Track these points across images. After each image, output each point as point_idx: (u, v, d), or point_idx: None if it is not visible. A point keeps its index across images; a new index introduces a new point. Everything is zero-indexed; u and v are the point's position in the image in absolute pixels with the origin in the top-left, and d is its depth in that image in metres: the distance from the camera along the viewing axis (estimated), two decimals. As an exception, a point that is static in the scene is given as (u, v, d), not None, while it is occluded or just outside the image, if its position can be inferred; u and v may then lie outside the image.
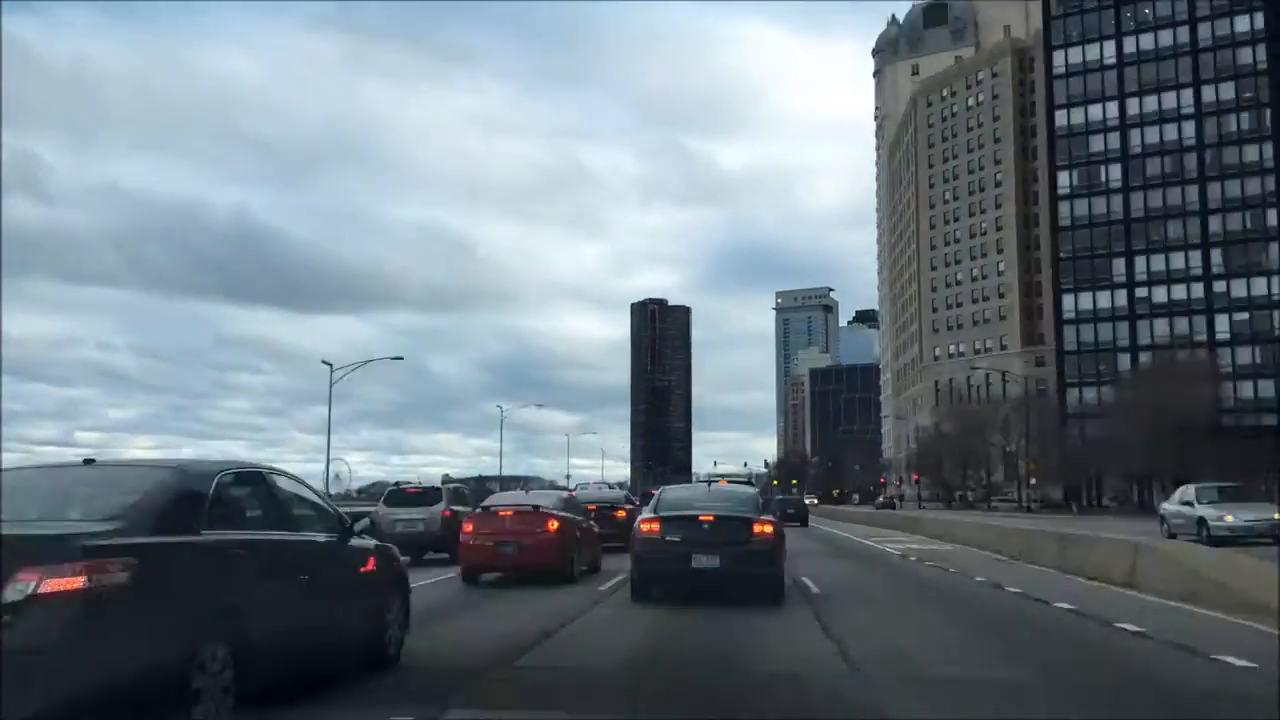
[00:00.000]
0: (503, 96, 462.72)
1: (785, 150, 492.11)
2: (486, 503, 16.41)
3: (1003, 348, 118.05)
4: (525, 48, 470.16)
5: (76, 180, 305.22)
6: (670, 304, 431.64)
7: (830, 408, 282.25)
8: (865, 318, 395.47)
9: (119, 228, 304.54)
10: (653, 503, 12.70)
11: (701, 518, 11.60)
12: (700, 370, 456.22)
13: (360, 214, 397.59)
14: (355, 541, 6.80)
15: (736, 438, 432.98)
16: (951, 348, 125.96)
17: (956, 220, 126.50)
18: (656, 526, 11.58)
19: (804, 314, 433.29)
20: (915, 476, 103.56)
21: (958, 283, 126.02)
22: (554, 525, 14.25)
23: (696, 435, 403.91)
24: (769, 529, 11.63)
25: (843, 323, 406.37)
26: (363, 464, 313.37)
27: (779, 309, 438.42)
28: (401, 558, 8.18)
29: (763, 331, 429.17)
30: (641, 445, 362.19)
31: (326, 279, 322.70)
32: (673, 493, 13.45)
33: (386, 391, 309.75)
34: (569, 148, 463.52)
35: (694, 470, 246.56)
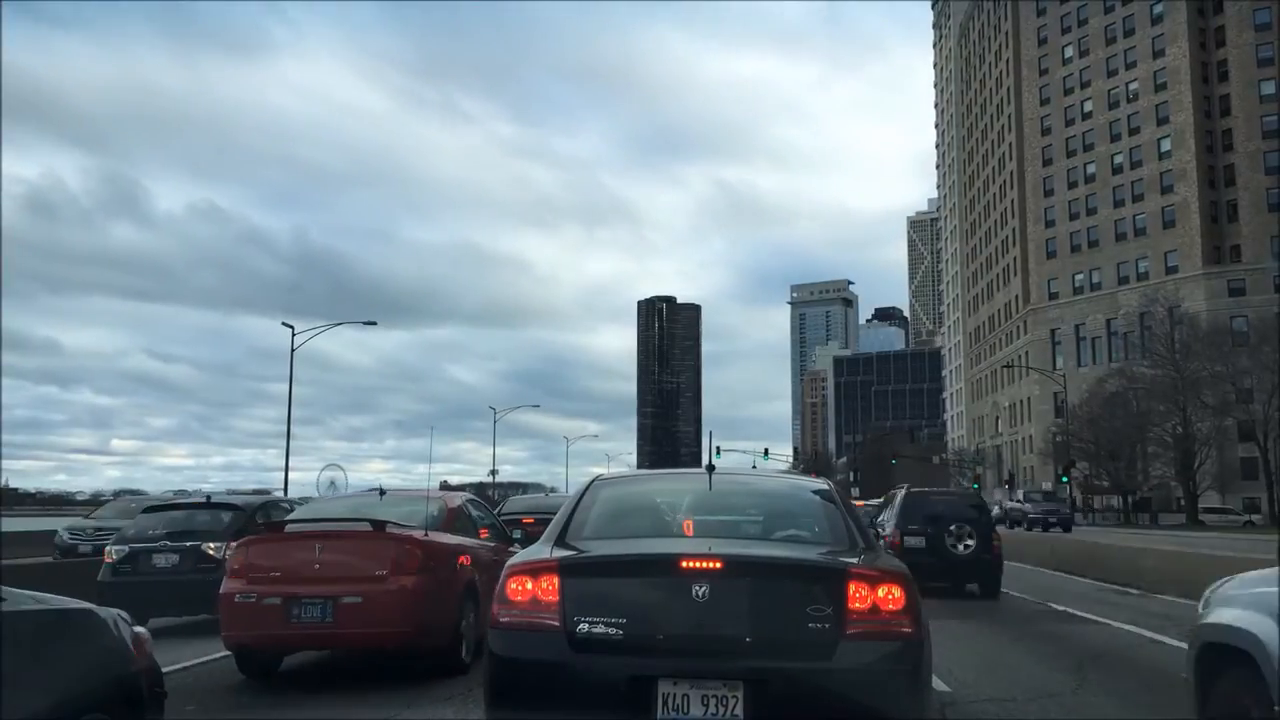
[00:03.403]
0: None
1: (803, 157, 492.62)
2: (290, 518, 8.39)
3: (1169, 270, 75.59)
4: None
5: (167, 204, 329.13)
6: (679, 302, 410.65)
7: (858, 401, 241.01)
8: (887, 315, 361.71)
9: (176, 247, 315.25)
10: (560, 516, 4.70)
11: (688, 564, 3.84)
12: (713, 380, 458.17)
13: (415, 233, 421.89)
14: None
15: (751, 446, 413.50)
16: (1079, 277, 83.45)
17: (1085, 85, 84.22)
18: (553, 593, 3.91)
19: (821, 308, 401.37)
20: (1065, 471, 60.06)
21: (1088, 179, 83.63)
22: (412, 563, 7.14)
23: (707, 443, 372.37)
24: (896, 596, 3.84)
25: (861, 321, 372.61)
26: (386, 473, 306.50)
27: (794, 303, 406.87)
28: (137, 628, 4.11)
29: (778, 344, 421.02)
30: (648, 450, 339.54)
31: (360, 293, 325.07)
32: (616, 489, 5.27)
33: (410, 402, 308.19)
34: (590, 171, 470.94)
35: None
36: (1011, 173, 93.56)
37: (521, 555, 4.32)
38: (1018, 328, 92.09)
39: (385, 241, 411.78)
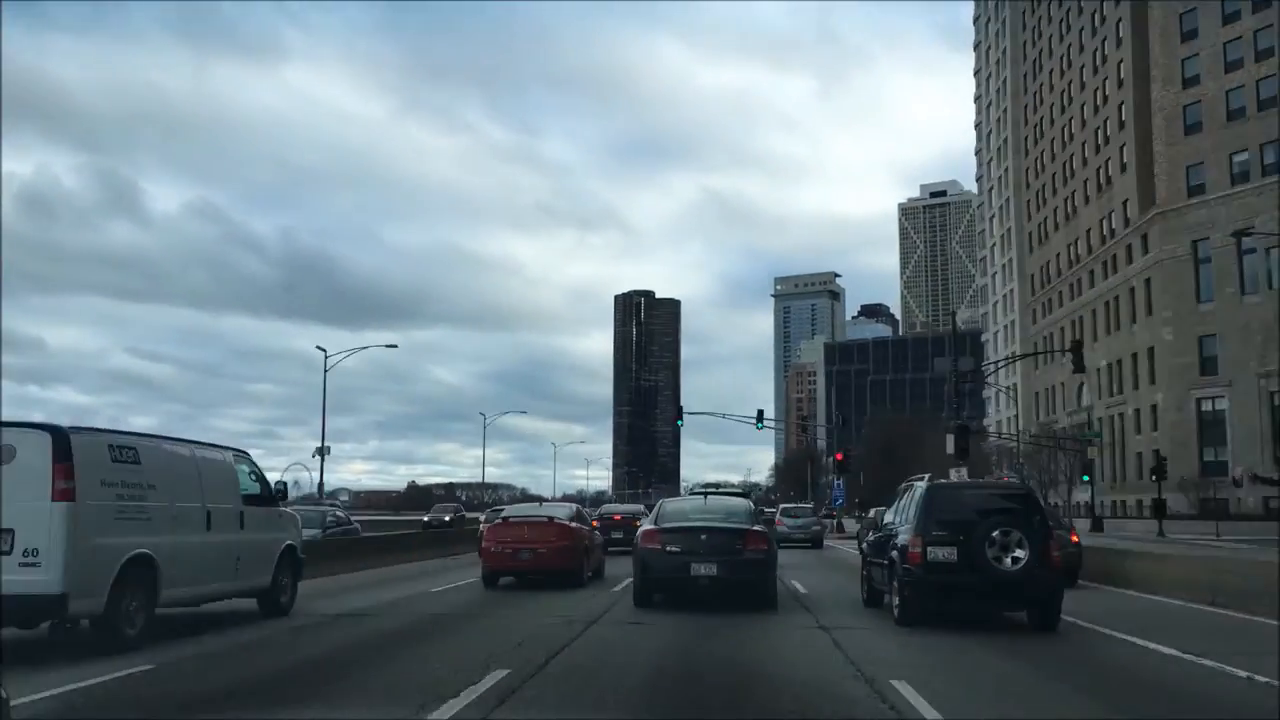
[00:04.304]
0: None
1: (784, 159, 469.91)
2: (506, 513, 19.97)
3: None
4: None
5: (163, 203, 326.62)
6: (658, 296, 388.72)
7: (851, 393, 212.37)
8: (874, 312, 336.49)
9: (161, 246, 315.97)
10: (653, 514, 14.59)
11: (699, 529, 13.12)
12: (694, 384, 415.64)
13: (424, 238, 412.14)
14: None
15: (735, 450, 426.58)
16: (1242, 158, 54.52)
17: None
18: (658, 537, 13.06)
19: (807, 301, 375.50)
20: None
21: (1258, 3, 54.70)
22: (567, 534, 16.84)
23: (686, 444, 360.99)
24: (762, 541, 13.07)
25: (847, 317, 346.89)
26: (367, 474, 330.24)
27: (778, 296, 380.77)
28: None
29: (760, 350, 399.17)
30: (625, 451, 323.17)
31: (345, 295, 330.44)
32: (672, 505, 15.04)
33: (392, 404, 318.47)
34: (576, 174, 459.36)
35: (682, 479, 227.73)
36: (1119, 23, 64.63)
37: (644, 525, 14.02)
38: (1128, 248, 63.09)
39: (370, 243, 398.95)
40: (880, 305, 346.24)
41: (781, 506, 40.66)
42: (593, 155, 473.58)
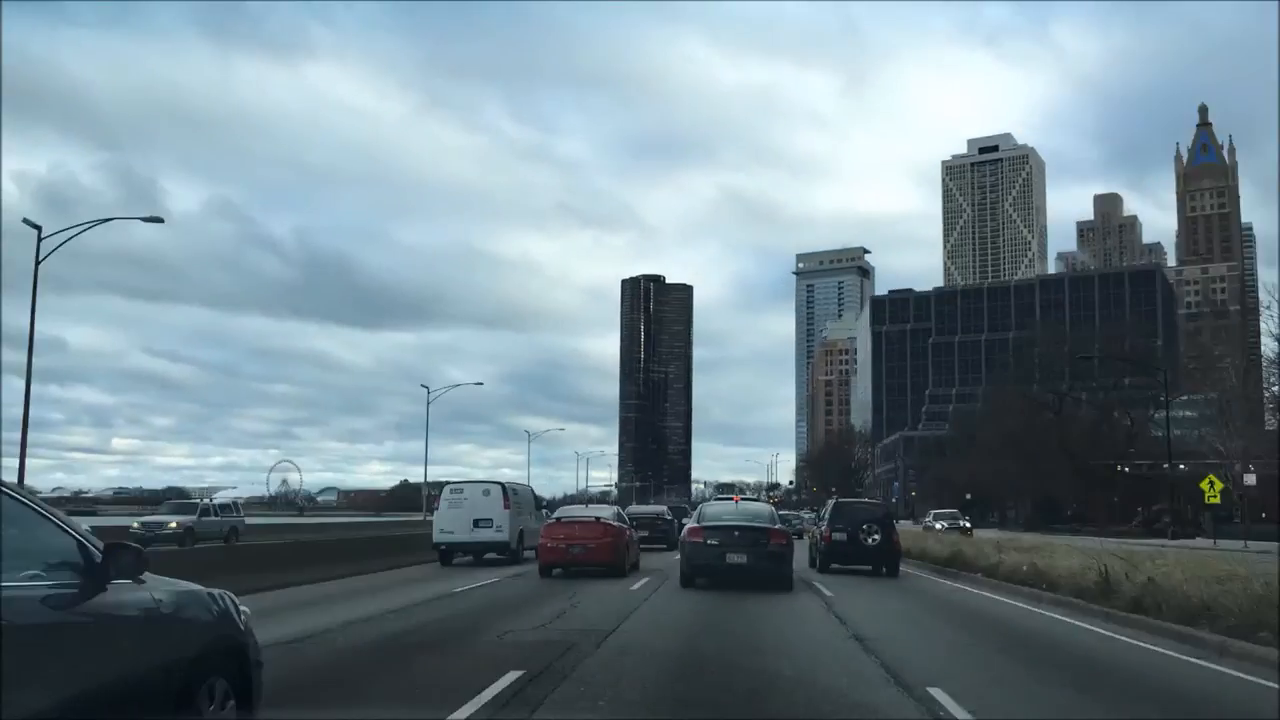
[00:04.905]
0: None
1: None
2: (558, 514, 23.16)
3: None
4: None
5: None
6: (668, 281, 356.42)
7: (907, 359, 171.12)
8: (904, 297, 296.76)
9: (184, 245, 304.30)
10: (695, 515, 19.19)
11: (733, 527, 17.32)
12: (712, 386, 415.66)
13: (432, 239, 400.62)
14: None
15: (752, 452, 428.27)
16: None
17: None
18: (701, 533, 17.16)
19: (833, 278, 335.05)
20: None
21: None
22: (611, 532, 19.98)
23: (702, 446, 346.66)
24: (782, 537, 17.50)
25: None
26: (383, 474, 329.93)
27: (801, 274, 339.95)
28: (242, 605, 5.48)
29: (780, 353, 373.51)
30: (631, 447, 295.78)
31: (362, 295, 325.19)
32: (711, 508, 20.38)
33: (409, 404, 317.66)
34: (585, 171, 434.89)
35: (693, 480, 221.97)
36: None
37: (689, 523, 18.71)
38: None
39: (387, 243, 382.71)
40: (909, 290, 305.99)
41: (835, 502, 24.63)
42: (610, 153, 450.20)
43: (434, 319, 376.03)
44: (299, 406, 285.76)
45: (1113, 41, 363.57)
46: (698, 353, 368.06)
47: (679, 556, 18.36)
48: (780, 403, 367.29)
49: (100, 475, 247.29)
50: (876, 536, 20.95)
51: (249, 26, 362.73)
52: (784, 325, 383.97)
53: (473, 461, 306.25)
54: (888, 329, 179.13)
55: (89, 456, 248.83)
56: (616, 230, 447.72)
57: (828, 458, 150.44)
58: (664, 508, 38.52)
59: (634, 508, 39.47)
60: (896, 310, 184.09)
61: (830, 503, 23.87)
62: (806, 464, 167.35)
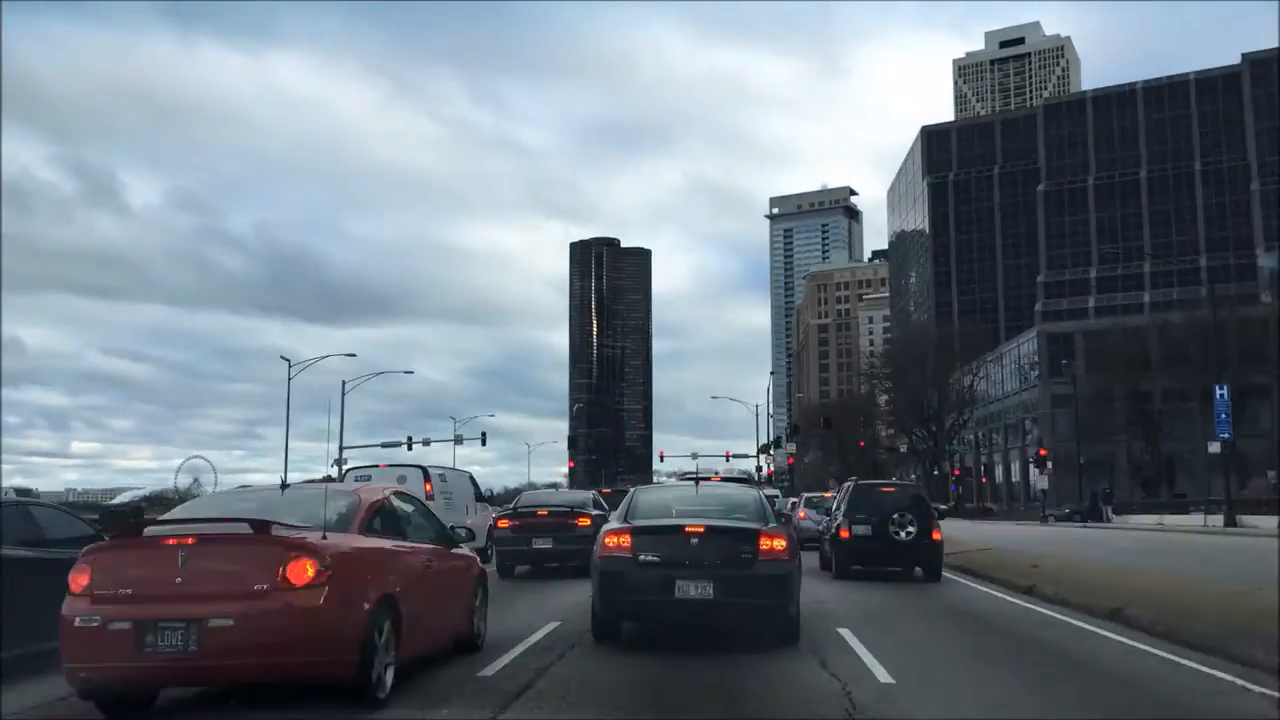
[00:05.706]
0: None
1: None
2: (160, 519, 9.69)
3: None
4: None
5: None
6: (623, 246, 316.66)
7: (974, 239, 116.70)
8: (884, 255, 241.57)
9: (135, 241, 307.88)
10: (622, 508, 9.60)
11: (688, 529, 8.63)
12: (677, 378, 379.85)
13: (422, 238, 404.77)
14: None
15: (725, 444, 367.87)
16: None
17: None
18: (627, 541, 8.62)
19: (816, 219, 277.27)
20: None
21: None
22: (301, 573, 7.85)
23: (666, 439, 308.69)
24: (781, 545, 8.58)
25: (868, 251, 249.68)
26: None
27: (775, 218, 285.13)
28: None
29: (756, 348, 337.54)
30: (583, 433, 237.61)
31: (310, 288, 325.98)
32: (649, 494, 10.40)
33: (374, 402, 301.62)
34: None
35: (654, 470, 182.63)
36: None
37: (609, 524, 9.01)
38: None
39: (346, 236, 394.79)
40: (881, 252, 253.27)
41: (853, 485, 19.66)
42: (573, 141, 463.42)
43: (401, 314, 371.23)
44: (264, 406, 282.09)
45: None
46: (663, 345, 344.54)
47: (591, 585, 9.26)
48: (754, 395, 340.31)
49: (60, 479, 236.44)
50: (911, 529, 16.27)
51: (211, 15, 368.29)
52: (755, 317, 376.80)
53: (438, 459, 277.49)
54: (956, 175, 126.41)
55: (48, 460, 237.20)
56: (584, 221, 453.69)
57: (840, 423, 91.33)
58: (588, 494, 21.26)
59: (527, 495, 22.12)
60: (968, 146, 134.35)
61: (847, 486, 19.17)
62: (804, 423, 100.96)
